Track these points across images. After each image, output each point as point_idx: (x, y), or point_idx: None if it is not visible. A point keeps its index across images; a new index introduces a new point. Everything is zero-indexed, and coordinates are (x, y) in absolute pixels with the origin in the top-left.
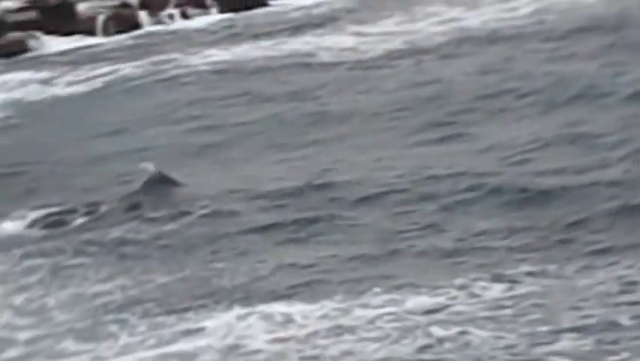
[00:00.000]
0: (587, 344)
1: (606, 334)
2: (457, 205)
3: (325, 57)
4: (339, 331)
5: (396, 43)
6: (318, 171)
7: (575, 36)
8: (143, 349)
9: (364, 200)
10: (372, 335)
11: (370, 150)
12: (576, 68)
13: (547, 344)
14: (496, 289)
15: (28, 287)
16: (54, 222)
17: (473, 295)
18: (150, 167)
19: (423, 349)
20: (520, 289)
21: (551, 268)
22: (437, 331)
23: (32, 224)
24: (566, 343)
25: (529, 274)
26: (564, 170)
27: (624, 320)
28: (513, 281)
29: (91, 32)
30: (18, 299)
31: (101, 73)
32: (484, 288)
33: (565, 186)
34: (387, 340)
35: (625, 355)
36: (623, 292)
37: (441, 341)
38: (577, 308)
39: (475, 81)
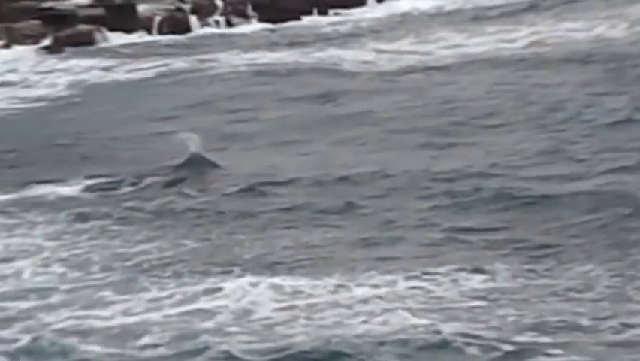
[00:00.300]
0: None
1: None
2: (449, 202)
3: (347, 67)
4: (336, 305)
5: (409, 61)
6: (334, 163)
7: (564, 66)
8: (169, 304)
9: (372, 191)
10: (362, 309)
11: (380, 150)
12: (564, 93)
13: (512, 332)
14: (476, 280)
15: (76, 244)
16: (104, 190)
17: (456, 283)
18: (193, 138)
19: (403, 328)
20: (496, 282)
21: (524, 265)
22: (418, 313)
23: (85, 190)
24: (530, 333)
25: (505, 269)
26: (546, 179)
27: (584, 316)
28: (490, 273)
29: (148, 30)
30: (67, 253)
31: (154, 65)
32: (466, 278)
33: (545, 193)
34: (374, 316)
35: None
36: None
37: (417, 324)
38: (544, 302)
39: (475, 98)
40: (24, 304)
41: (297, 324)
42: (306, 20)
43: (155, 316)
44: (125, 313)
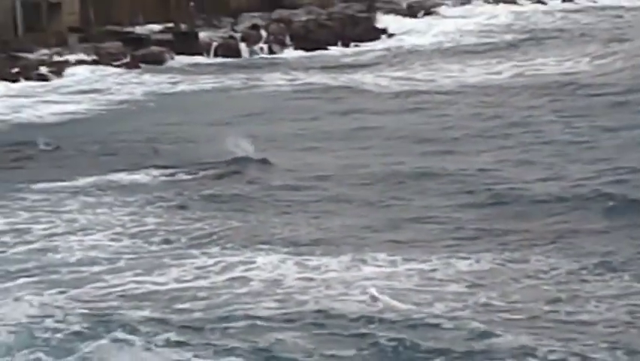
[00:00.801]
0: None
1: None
2: (445, 197)
3: (366, 88)
4: (344, 280)
5: (416, 85)
6: (355, 164)
7: (538, 92)
8: (213, 272)
9: (384, 186)
10: (360, 284)
11: (392, 154)
12: (539, 115)
13: (483, 312)
14: (462, 264)
15: (143, 220)
16: (168, 178)
17: (449, 266)
18: (243, 140)
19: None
20: (480, 266)
21: (509, 253)
22: (412, 289)
23: (153, 178)
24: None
25: (491, 258)
26: (521, 181)
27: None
28: (475, 260)
29: (206, 54)
30: (135, 228)
31: (211, 81)
32: (455, 262)
33: (520, 192)
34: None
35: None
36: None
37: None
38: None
39: (468, 117)
40: (96, 268)
41: (311, 294)
42: (333, 50)
43: (202, 282)
44: (177, 279)
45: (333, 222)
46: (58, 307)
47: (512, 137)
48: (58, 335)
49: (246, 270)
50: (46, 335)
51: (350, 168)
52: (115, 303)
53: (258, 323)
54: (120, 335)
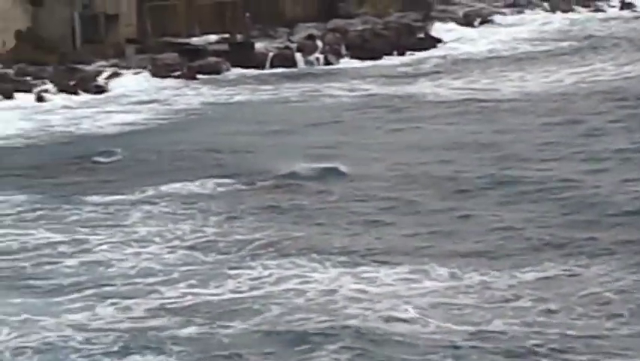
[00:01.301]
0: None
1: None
2: (510, 206)
3: (427, 97)
4: (400, 295)
5: (474, 94)
6: (415, 171)
7: (600, 98)
8: (268, 283)
9: (445, 189)
10: (414, 299)
11: (453, 159)
12: (599, 120)
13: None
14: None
15: (200, 230)
16: (227, 189)
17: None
18: (300, 150)
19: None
20: (544, 278)
21: (575, 264)
22: (469, 305)
23: (211, 188)
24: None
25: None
26: (595, 191)
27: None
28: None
29: (262, 64)
30: (192, 238)
31: (269, 92)
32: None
33: (592, 203)
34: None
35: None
36: None
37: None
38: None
39: (532, 125)
40: (151, 280)
41: (362, 309)
42: (389, 59)
43: (256, 293)
44: (232, 290)
45: (393, 233)
46: (108, 320)
47: (579, 145)
48: (104, 349)
49: (301, 282)
50: (92, 349)
51: (411, 178)
52: (166, 316)
53: (305, 339)
54: (168, 348)
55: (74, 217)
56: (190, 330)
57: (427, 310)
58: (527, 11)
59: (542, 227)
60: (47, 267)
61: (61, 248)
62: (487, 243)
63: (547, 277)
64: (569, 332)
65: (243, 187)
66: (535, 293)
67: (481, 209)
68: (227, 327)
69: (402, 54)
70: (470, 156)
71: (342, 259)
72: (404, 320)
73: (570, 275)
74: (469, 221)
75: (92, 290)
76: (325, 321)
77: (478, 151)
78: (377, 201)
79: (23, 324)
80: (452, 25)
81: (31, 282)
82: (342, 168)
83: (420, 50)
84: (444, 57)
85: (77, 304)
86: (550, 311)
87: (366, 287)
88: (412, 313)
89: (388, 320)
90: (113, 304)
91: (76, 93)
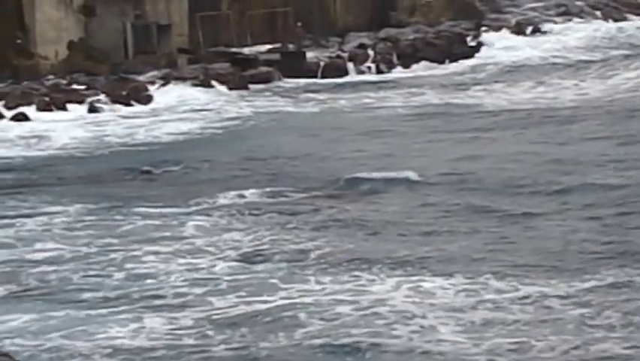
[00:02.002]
0: None
1: None
2: (568, 216)
3: (484, 106)
4: (453, 307)
5: (531, 103)
6: (477, 183)
7: None
8: (321, 294)
9: (504, 205)
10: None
11: (514, 173)
12: None
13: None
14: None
15: (252, 241)
16: (282, 199)
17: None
18: (351, 161)
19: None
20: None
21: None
22: (523, 320)
23: (266, 198)
24: None
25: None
26: None
27: None
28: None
29: (314, 74)
30: (243, 248)
31: (320, 101)
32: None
33: None
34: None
35: None
36: None
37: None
38: None
39: (594, 133)
40: (199, 290)
41: (413, 323)
42: (441, 68)
43: (306, 303)
44: (282, 301)
45: (450, 244)
46: (154, 333)
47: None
48: None
49: (353, 293)
50: None
51: (470, 188)
52: (213, 327)
53: (350, 352)
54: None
55: (127, 228)
56: (235, 342)
57: (479, 326)
58: (579, 19)
59: (601, 236)
60: (95, 278)
61: (112, 259)
62: (542, 253)
63: (606, 287)
64: (627, 345)
65: (298, 197)
66: (593, 305)
67: (537, 220)
68: (271, 339)
69: (454, 62)
70: (531, 166)
71: (397, 269)
72: (454, 335)
73: (629, 285)
74: (528, 231)
75: (140, 302)
76: (373, 334)
77: (539, 160)
78: (435, 211)
79: (65, 337)
80: (504, 33)
81: (78, 294)
82: (400, 177)
83: (472, 58)
84: (496, 65)
85: (123, 316)
86: (610, 326)
87: (419, 299)
88: (463, 327)
89: (438, 334)
90: (160, 316)
91: (128, 103)
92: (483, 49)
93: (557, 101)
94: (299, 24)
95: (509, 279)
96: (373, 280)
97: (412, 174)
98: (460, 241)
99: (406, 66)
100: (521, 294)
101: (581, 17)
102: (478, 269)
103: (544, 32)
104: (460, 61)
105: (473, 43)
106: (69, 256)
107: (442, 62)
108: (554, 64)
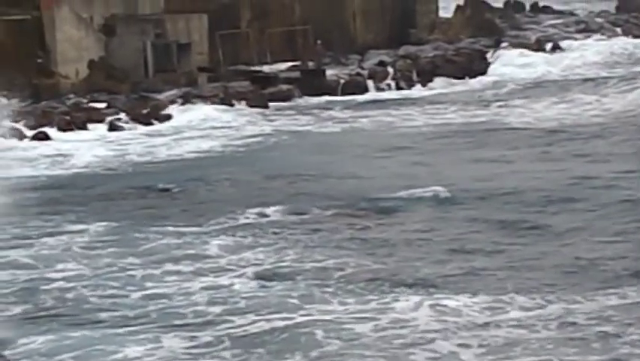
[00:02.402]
0: None
1: None
2: (592, 232)
3: (509, 125)
4: (477, 324)
5: (555, 120)
6: (506, 200)
7: None
8: (340, 312)
9: (531, 223)
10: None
11: (540, 189)
12: None
13: None
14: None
15: (271, 259)
16: (304, 217)
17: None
18: (370, 179)
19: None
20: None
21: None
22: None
23: (288, 216)
24: None
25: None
26: None
27: None
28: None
29: (334, 91)
30: (263, 266)
31: (341, 119)
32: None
33: None
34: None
35: None
36: None
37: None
38: None
39: (624, 149)
40: (219, 309)
41: (437, 344)
42: (461, 85)
43: (326, 322)
44: (301, 320)
45: (475, 261)
46: (171, 352)
47: None
48: None
49: (375, 312)
50: None
51: (495, 206)
52: (230, 346)
53: None
54: None
55: (148, 246)
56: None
57: (502, 346)
58: (599, 36)
59: (627, 253)
60: (114, 298)
61: (131, 278)
62: (570, 269)
63: (631, 305)
64: None
65: (321, 215)
66: (618, 322)
67: (567, 235)
68: (288, 358)
69: (473, 79)
70: (558, 182)
71: (422, 288)
72: (478, 358)
73: None
74: (554, 247)
75: (158, 321)
76: (392, 356)
77: (565, 176)
78: (459, 228)
79: (80, 357)
80: (523, 50)
81: (96, 313)
82: (424, 195)
83: (493, 75)
84: (516, 82)
85: (141, 336)
86: (635, 343)
87: (442, 318)
88: (487, 348)
89: (461, 355)
90: (178, 335)
91: (149, 122)
92: (502, 66)
93: (581, 117)
94: (319, 42)
95: (534, 296)
96: (395, 299)
97: (439, 190)
98: (485, 258)
99: (426, 83)
100: (546, 312)
101: (602, 34)
102: (503, 286)
103: (565, 49)
104: (480, 77)
105: (492, 60)
106: (89, 275)
107: (461, 78)
108: (575, 80)
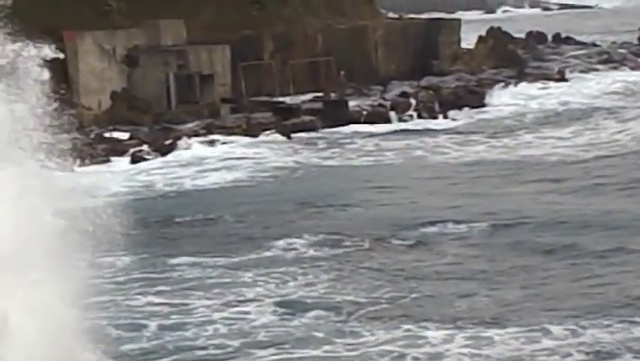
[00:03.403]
0: None
1: None
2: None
3: (540, 153)
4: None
5: (590, 149)
6: (529, 221)
7: None
8: (366, 345)
9: (566, 254)
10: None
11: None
12: None
13: None
14: None
15: (307, 289)
16: (334, 247)
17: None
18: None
19: None
20: None
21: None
22: None
23: (319, 246)
24: None
25: None
26: None
27: None
28: None
29: (356, 122)
30: (288, 297)
31: (365, 150)
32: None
33: None
34: None
35: None
36: None
37: None
38: None
39: None
40: (242, 341)
41: None
42: (483, 113)
43: (356, 351)
44: (325, 353)
45: (506, 290)
46: None
47: None
48: None
49: (405, 345)
50: None
51: (526, 238)
52: None
53: None
54: None
55: (174, 277)
56: None
57: None
58: (622, 67)
59: None
60: (135, 330)
61: (156, 310)
62: (601, 297)
63: None
64: None
65: (351, 246)
66: None
67: (598, 264)
68: None
69: (495, 107)
70: (593, 213)
71: (452, 321)
72: None
73: None
74: (586, 277)
75: (177, 354)
76: None
77: (602, 209)
78: (495, 262)
79: None
80: (547, 81)
81: (116, 345)
82: (454, 228)
83: (514, 106)
84: (537, 111)
85: None
86: None
87: (475, 350)
88: None
89: None
90: None
91: (171, 153)
92: (523, 96)
93: (616, 145)
94: (342, 72)
95: (567, 325)
96: (426, 331)
97: (458, 225)
98: (517, 288)
99: (447, 114)
100: (579, 340)
101: (624, 64)
102: (537, 318)
103: (587, 79)
104: (502, 107)
105: (515, 91)
106: (113, 306)
107: (482, 107)
108: (598, 109)
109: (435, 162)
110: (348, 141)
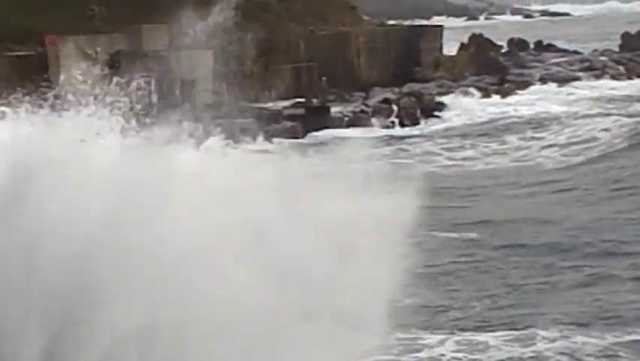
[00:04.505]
0: None
1: None
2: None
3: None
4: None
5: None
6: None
7: None
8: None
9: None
10: None
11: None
12: None
13: None
14: None
15: None
16: None
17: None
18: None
19: None
20: None
21: None
22: None
23: None
24: None
25: None
26: None
27: None
28: None
29: (339, 127)
30: None
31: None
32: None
33: None
34: None
35: None
36: None
37: None
38: None
39: None
40: None
41: None
42: (465, 121)
43: None
44: None
45: (509, 300)
46: None
47: None
48: None
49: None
50: None
51: (533, 249)
52: None
53: None
54: None
55: None
56: None
57: None
58: (605, 76)
59: None
60: None
61: None
62: (601, 307)
63: None
64: None
65: None
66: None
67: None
68: None
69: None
70: (607, 223)
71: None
72: None
73: None
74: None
75: None
76: None
77: (615, 218)
78: (515, 269)
79: None
80: (531, 87)
81: None
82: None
83: (495, 113)
84: (521, 117)
85: None
86: None
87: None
88: None
89: None
90: None
91: None
92: (503, 105)
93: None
94: (324, 79)
95: (556, 330)
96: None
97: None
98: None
99: (430, 121)
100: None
101: (606, 72)
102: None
103: (568, 86)
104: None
105: (496, 99)
106: None
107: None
108: (579, 116)
109: (425, 171)
110: (331, 146)
